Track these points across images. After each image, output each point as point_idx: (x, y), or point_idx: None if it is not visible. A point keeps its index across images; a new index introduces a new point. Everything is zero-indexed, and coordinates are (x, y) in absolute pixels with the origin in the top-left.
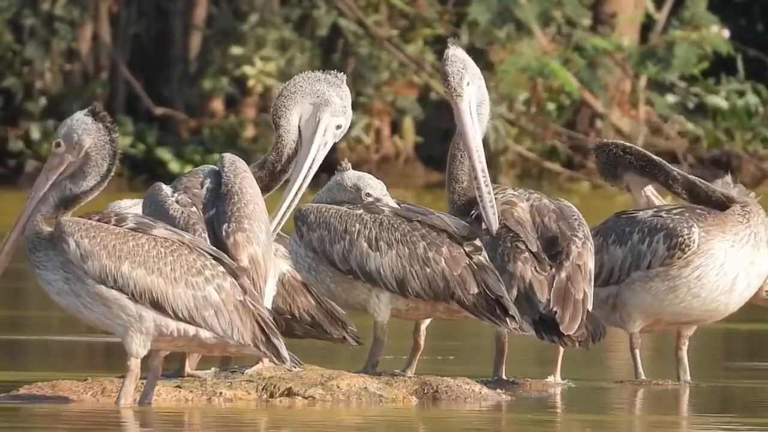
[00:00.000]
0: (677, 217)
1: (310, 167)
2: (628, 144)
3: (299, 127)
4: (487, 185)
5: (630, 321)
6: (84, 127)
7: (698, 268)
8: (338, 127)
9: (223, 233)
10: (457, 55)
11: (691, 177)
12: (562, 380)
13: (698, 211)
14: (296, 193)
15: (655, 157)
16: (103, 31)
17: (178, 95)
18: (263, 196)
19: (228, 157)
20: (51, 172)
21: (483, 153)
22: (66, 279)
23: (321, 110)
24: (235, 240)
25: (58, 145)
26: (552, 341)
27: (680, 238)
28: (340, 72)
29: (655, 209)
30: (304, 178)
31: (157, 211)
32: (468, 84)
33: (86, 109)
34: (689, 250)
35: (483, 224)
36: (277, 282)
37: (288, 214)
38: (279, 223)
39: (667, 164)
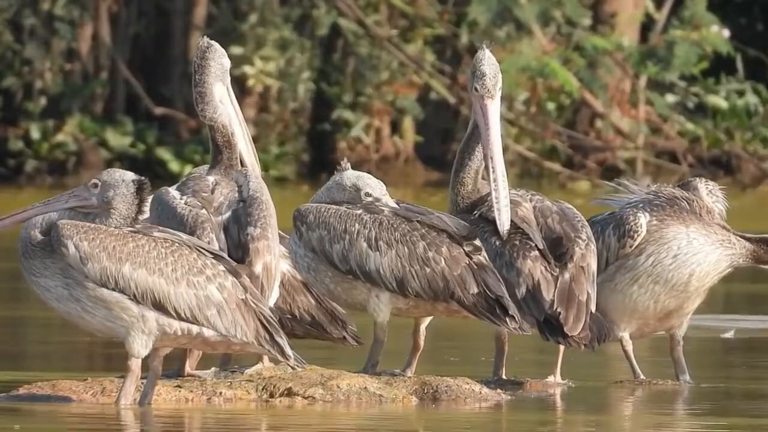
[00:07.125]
0: (627, 209)
1: None
2: None
3: None
4: (505, 187)
5: (615, 326)
6: (123, 192)
7: (651, 255)
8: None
9: (248, 235)
10: (492, 58)
11: None
12: (562, 380)
13: (656, 203)
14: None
15: None
16: (103, 31)
17: (178, 95)
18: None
19: (251, 169)
20: (73, 199)
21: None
22: (66, 284)
23: None
24: (257, 247)
25: (95, 185)
26: (557, 342)
27: (627, 226)
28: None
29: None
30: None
31: (165, 211)
32: (499, 89)
33: (138, 178)
34: (638, 235)
35: (483, 224)
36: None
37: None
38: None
39: None
